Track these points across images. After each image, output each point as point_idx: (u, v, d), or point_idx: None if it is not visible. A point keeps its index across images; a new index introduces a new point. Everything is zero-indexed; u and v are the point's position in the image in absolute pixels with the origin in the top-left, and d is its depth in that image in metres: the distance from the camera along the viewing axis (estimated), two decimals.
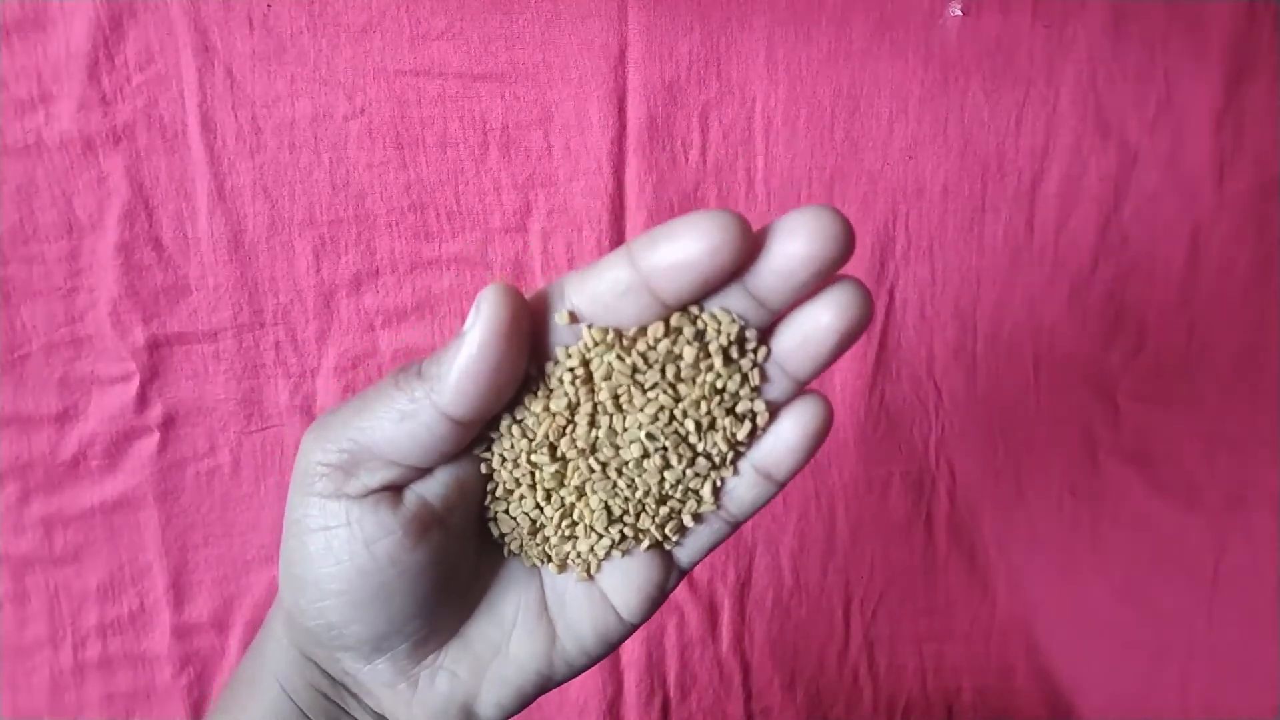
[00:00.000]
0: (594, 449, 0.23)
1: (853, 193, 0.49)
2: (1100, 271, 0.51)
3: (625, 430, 0.23)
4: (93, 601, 0.48)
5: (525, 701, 0.26)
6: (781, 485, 0.24)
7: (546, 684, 0.26)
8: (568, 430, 0.23)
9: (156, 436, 0.47)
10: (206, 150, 0.44)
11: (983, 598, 0.55)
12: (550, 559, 0.25)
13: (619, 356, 0.22)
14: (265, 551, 0.49)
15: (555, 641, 0.25)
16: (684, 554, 0.26)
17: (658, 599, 0.25)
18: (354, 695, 0.26)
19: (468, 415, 0.22)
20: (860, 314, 0.21)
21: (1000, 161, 0.49)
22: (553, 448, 0.23)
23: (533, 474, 0.24)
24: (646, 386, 0.22)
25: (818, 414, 0.23)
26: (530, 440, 0.23)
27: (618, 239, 0.48)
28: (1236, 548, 0.54)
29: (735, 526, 0.25)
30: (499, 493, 0.24)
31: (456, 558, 0.24)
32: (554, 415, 0.23)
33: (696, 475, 0.24)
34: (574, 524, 0.24)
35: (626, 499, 0.24)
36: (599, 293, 0.21)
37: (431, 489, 0.23)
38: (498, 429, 0.24)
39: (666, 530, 0.24)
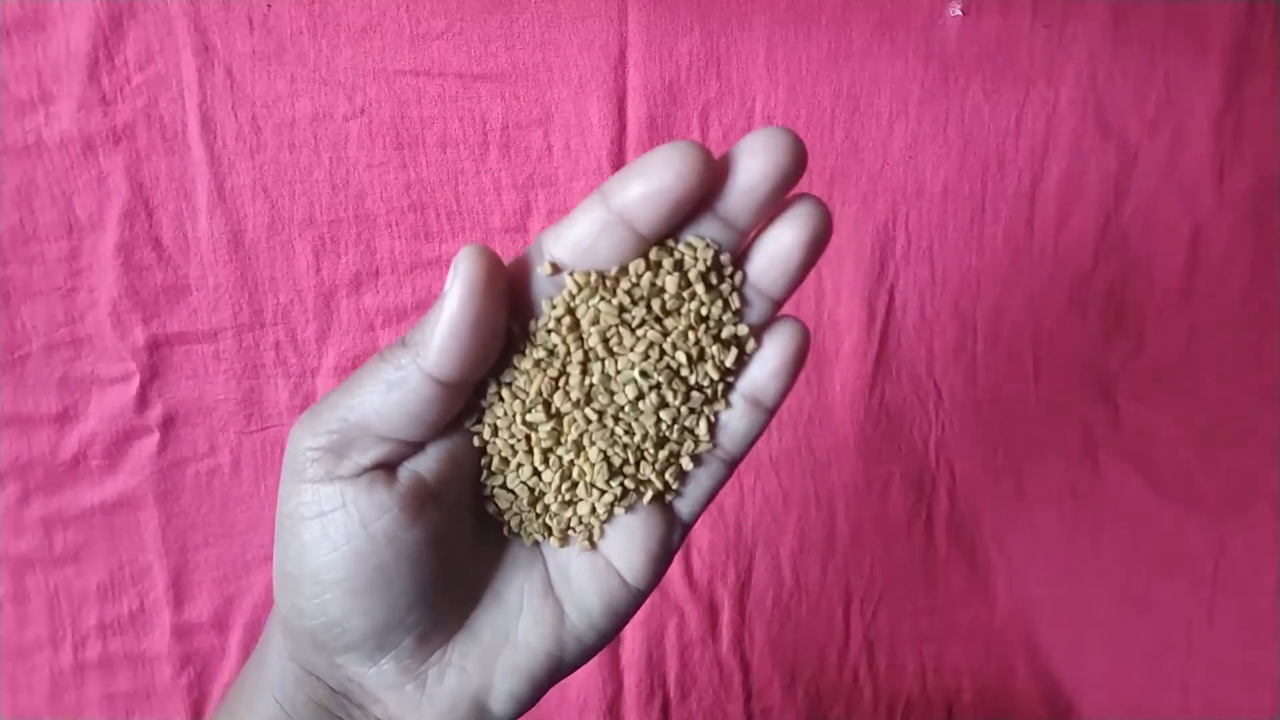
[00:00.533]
0: (588, 398, 0.24)
1: (853, 193, 0.49)
2: (1100, 271, 0.51)
3: (619, 373, 0.23)
4: (93, 601, 0.48)
5: (538, 690, 0.26)
6: (771, 413, 0.25)
7: (558, 667, 0.26)
8: (560, 383, 0.23)
9: (156, 436, 0.47)
10: (206, 150, 0.44)
11: (983, 598, 0.55)
12: (551, 531, 0.25)
13: (604, 299, 0.23)
14: (265, 551, 0.49)
15: (564, 620, 0.25)
16: (685, 505, 0.26)
17: (663, 558, 0.25)
18: (358, 705, 0.25)
19: (454, 375, 0.22)
20: (820, 225, 0.23)
21: (1000, 161, 0.49)
22: (547, 404, 0.23)
23: (528, 437, 0.24)
24: (634, 325, 0.23)
25: (796, 335, 0.24)
26: (523, 401, 0.23)
27: None
28: (1236, 548, 0.54)
29: (732, 466, 0.26)
30: (494, 466, 0.24)
31: (454, 538, 0.24)
32: (544, 369, 0.23)
33: (691, 411, 0.24)
34: (574, 485, 0.24)
35: (625, 446, 0.24)
36: (577, 238, 0.22)
37: (425, 464, 0.23)
38: (486, 399, 0.24)
39: (667, 476, 0.25)
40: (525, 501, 0.25)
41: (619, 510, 0.25)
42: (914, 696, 0.55)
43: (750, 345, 0.24)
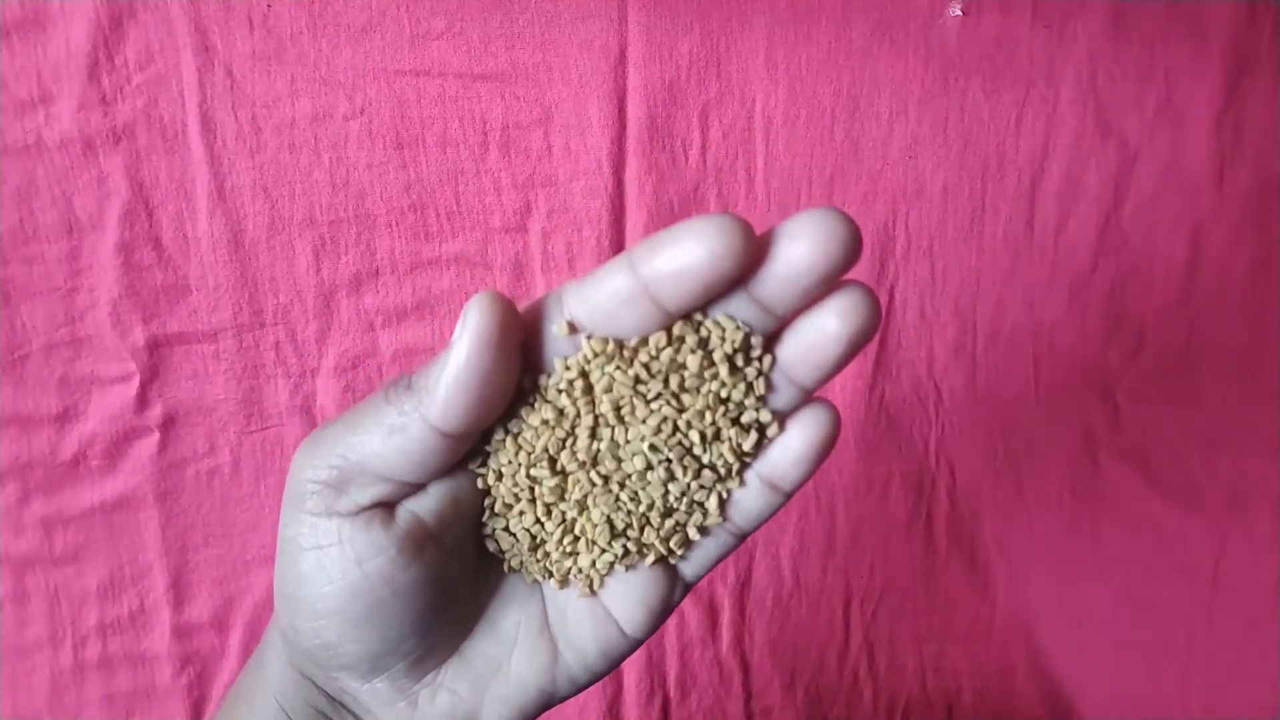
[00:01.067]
0: (595, 462, 0.22)
1: (853, 193, 0.49)
2: (1100, 271, 0.51)
3: (628, 442, 0.22)
4: (93, 601, 0.48)
5: (527, 719, 0.25)
6: (788, 496, 0.24)
7: (549, 701, 0.25)
8: (567, 443, 0.22)
9: (156, 436, 0.47)
10: (206, 150, 0.44)
11: (983, 598, 0.55)
12: (551, 574, 0.24)
13: (620, 368, 0.21)
14: (265, 551, 0.49)
15: (558, 659, 0.25)
16: (689, 567, 0.25)
17: (662, 614, 0.25)
18: (353, 714, 0.25)
19: (457, 428, 0.21)
20: (868, 320, 0.21)
21: (1000, 161, 0.49)
22: (552, 461, 0.23)
23: (532, 488, 0.23)
24: (649, 398, 0.22)
25: (825, 423, 0.23)
26: (529, 454, 0.23)
27: (617, 239, 0.48)
28: (1236, 548, 0.54)
29: (741, 538, 0.25)
30: (497, 508, 0.24)
31: (453, 575, 0.24)
32: (552, 428, 0.22)
33: (702, 487, 0.23)
34: (575, 539, 0.24)
35: (629, 512, 0.23)
36: (599, 302, 0.21)
37: (425, 505, 0.23)
38: (492, 444, 0.23)
39: (671, 544, 0.24)
40: (526, 546, 0.24)
41: (619, 568, 0.24)
42: (914, 696, 0.55)
43: (773, 431, 0.23)
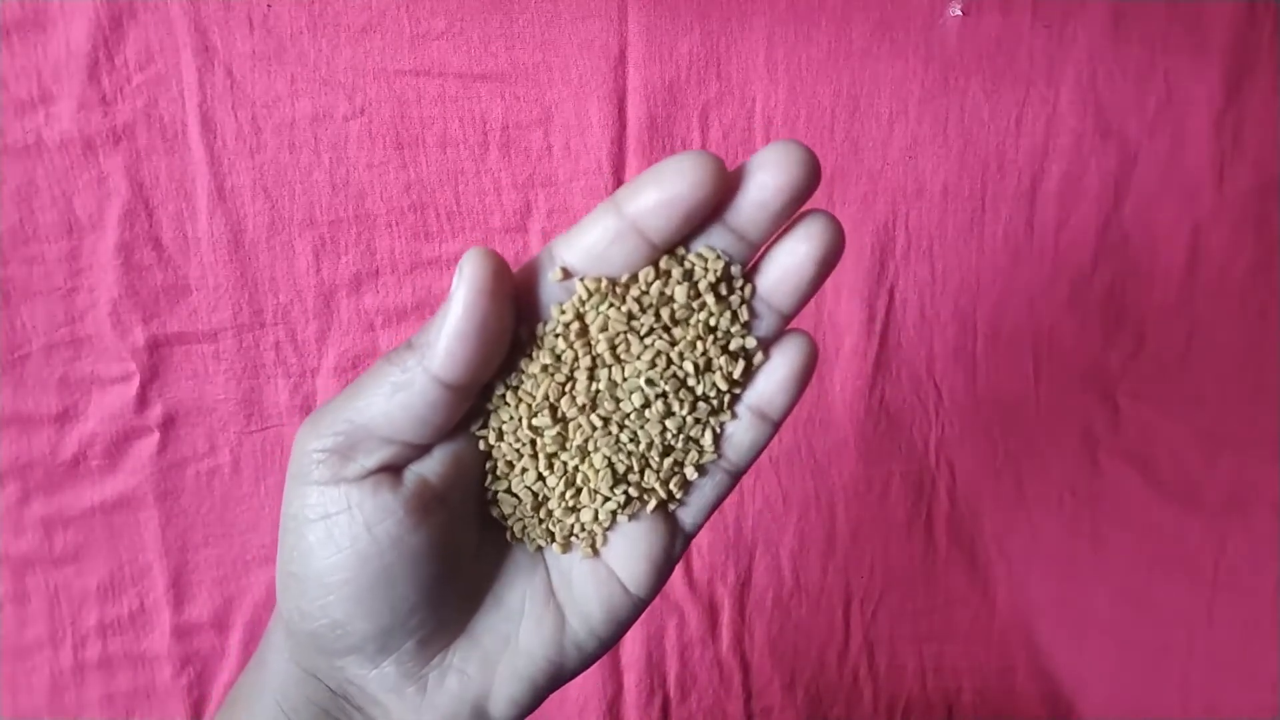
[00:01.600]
0: (594, 404, 0.24)
1: (853, 193, 0.49)
2: (1100, 271, 0.51)
3: (625, 380, 0.23)
4: (93, 601, 0.48)
5: (539, 695, 0.26)
6: (776, 426, 0.25)
7: (559, 674, 0.26)
8: (567, 388, 0.23)
9: (156, 436, 0.47)
10: (206, 150, 0.44)
11: (983, 598, 0.55)
12: (554, 537, 0.25)
13: (613, 305, 0.23)
14: (265, 551, 0.49)
15: (565, 627, 0.25)
16: (688, 514, 0.26)
17: (665, 568, 0.26)
18: (358, 708, 0.25)
19: (460, 378, 0.22)
20: (833, 240, 0.23)
21: (1000, 161, 0.49)
22: (553, 408, 0.23)
23: (533, 442, 0.24)
24: (643, 333, 0.23)
25: (805, 349, 0.24)
26: (529, 405, 0.23)
27: None
28: (1236, 548, 0.54)
29: (736, 477, 0.26)
30: (499, 470, 0.24)
31: (458, 542, 0.24)
32: (551, 373, 0.23)
33: (697, 422, 0.24)
34: (578, 491, 0.24)
35: (630, 453, 0.24)
36: (589, 244, 0.22)
37: (430, 467, 0.23)
38: (492, 402, 0.24)
39: (671, 486, 0.25)
40: (529, 506, 0.25)
41: (622, 518, 0.25)
42: (914, 696, 0.55)
43: (758, 358, 0.24)
